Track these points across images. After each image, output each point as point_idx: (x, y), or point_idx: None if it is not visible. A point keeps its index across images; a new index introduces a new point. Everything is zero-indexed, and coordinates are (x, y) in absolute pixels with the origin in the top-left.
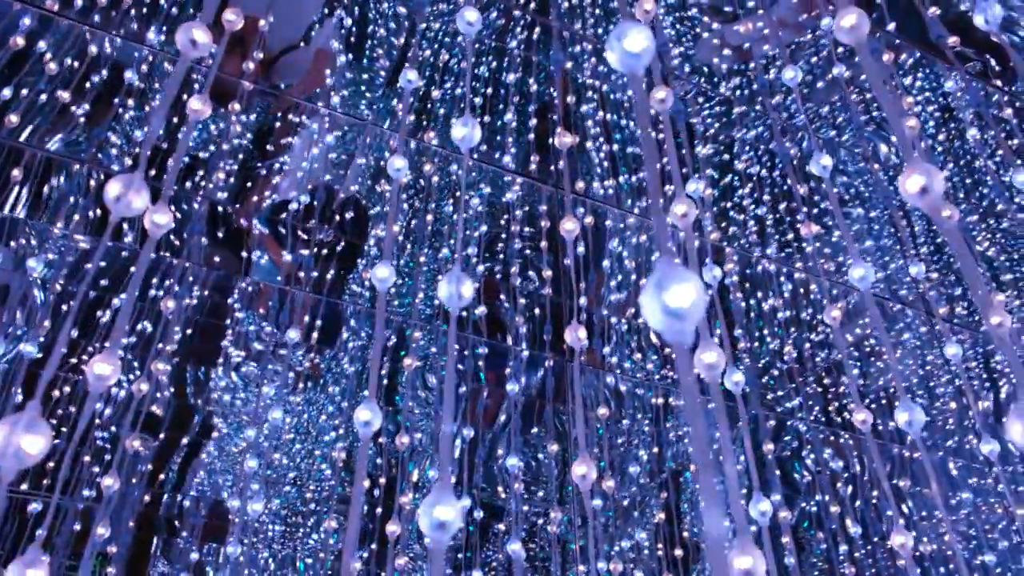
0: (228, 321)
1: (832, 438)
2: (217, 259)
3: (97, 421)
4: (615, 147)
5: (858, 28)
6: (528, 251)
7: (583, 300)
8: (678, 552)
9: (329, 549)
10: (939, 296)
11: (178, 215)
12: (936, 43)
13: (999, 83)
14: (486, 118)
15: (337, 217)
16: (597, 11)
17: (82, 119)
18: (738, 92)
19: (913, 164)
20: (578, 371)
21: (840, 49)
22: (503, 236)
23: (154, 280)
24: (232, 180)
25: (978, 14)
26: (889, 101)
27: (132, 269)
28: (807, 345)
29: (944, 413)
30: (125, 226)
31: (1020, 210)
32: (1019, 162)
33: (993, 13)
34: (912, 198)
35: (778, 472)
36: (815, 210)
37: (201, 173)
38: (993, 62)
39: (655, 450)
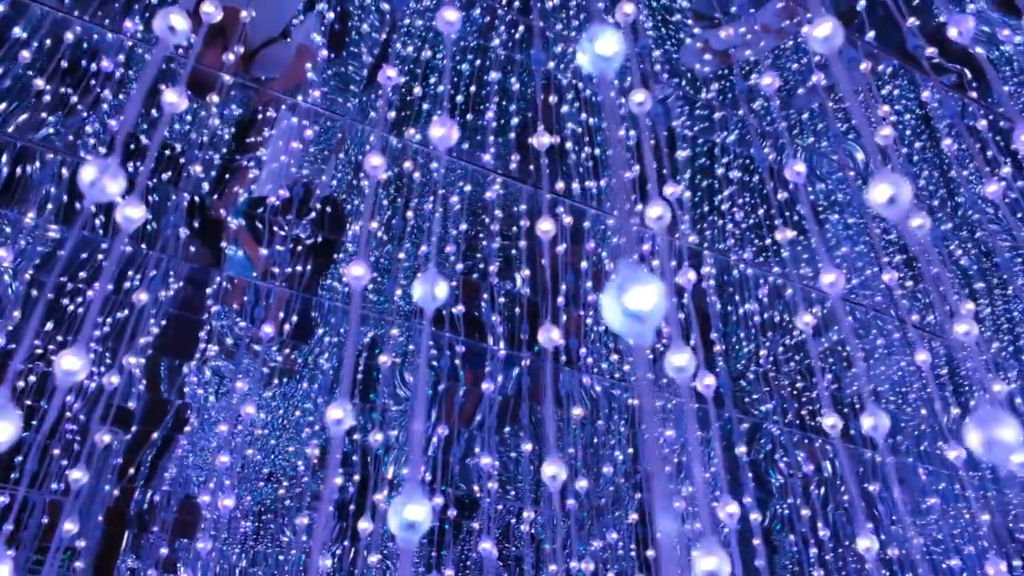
0: (205, 316)
1: (806, 442)
2: (192, 249)
3: (68, 414)
4: (596, 149)
5: (832, 38)
6: (512, 250)
7: (560, 300)
8: (650, 553)
9: (301, 546)
10: (915, 303)
11: (154, 198)
12: (913, 53)
13: (975, 95)
14: (468, 116)
15: (314, 213)
16: (582, 15)
17: (56, 107)
18: (720, 97)
19: (881, 174)
20: (550, 372)
21: (818, 57)
22: (482, 235)
23: (129, 272)
24: (210, 172)
25: (952, 26)
26: (860, 110)
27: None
28: (782, 349)
29: (916, 419)
30: (94, 207)
31: (992, 221)
32: (994, 174)
33: (967, 26)
34: (880, 208)
35: (751, 475)
36: (794, 216)
37: (180, 164)
38: (969, 75)
39: (631, 451)
